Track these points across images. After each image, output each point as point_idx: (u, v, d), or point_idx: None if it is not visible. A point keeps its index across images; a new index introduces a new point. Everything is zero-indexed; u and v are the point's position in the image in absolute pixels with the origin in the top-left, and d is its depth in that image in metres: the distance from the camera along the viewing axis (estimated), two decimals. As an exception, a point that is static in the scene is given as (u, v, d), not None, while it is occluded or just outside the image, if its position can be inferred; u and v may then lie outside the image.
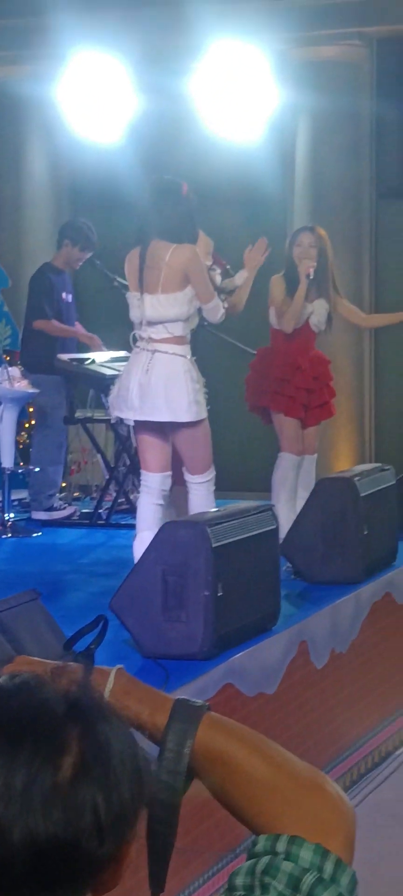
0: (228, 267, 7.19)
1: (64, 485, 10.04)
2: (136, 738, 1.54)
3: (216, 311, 6.69)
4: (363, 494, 7.17)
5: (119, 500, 9.55)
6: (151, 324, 6.64)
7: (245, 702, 5.59)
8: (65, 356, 9.48)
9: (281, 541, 6.52)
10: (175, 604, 5.57)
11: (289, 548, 7.07)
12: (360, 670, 6.89)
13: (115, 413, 6.92)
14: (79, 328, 9.85)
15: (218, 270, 6.90)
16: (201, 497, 6.76)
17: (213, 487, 6.85)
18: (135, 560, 6.50)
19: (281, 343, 7.87)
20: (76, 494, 10.40)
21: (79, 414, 9.89)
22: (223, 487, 8.43)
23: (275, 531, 6.20)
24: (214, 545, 5.59)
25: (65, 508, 9.74)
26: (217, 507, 6.76)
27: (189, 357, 6.70)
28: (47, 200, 12.53)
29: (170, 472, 6.78)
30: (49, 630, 4.80)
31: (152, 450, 6.80)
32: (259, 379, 7.90)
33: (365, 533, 7.08)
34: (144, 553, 5.80)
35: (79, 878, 1.41)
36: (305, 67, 11.95)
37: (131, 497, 9.42)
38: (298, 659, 6.15)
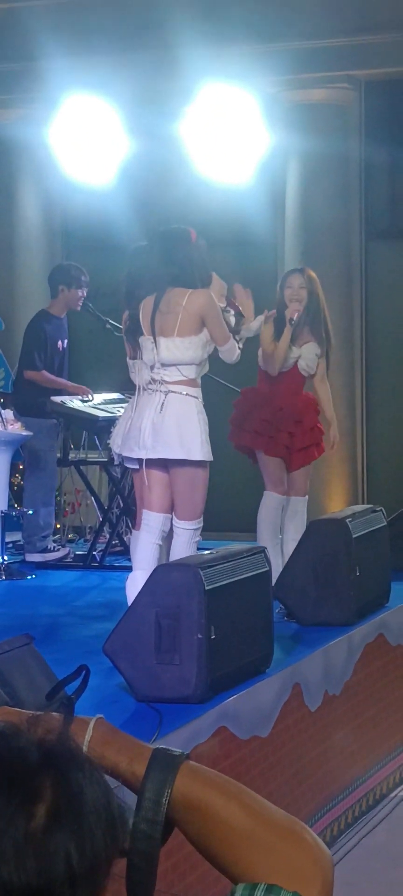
0: (240, 308, 7.27)
1: (58, 526, 10.01)
2: (118, 789, 1.55)
3: (232, 352, 6.80)
4: (355, 535, 7.15)
5: (113, 542, 9.53)
6: (165, 366, 6.74)
7: (239, 745, 5.56)
8: (57, 399, 9.47)
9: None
10: (168, 647, 5.55)
11: (282, 590, 7.06)
12: (354, 712, 6.87)
13: (126, 453, 6.94)
14: (65, 381, 9.77)
15: (232, 312, 6.98)
16: (183, 544, 6.78)
17: (198, 539, 6.87)
18: (129, 598, 6.51)
19: (266, 384, 7.88)
20: (70, 536, 10.38)
21: (72, 456, 9.87)
22: (212, 528, 8.45)
23: (268, 573, 6.19)
24: (207, 588, 5.57)
25: (58, 550, 9.72)
26: (208, 549, 6.75)
27: (200, 399, 6.80)
28: (40, 243, 12.55)
29: (170, 515, 6.80)
30: (42, 675, 4.76)
31: (158, 490, 6.86)
32: (241, 418, 7.90)
33: (358, 574, 7.06)
34: (137, 596, 5.77)
35: None
36: (295, 110, 12.00)
37: (125, 538, 9.40)
38: (292, 701, 6.13)
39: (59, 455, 9.75)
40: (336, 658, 6.71)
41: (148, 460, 6.81)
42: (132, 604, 5.85)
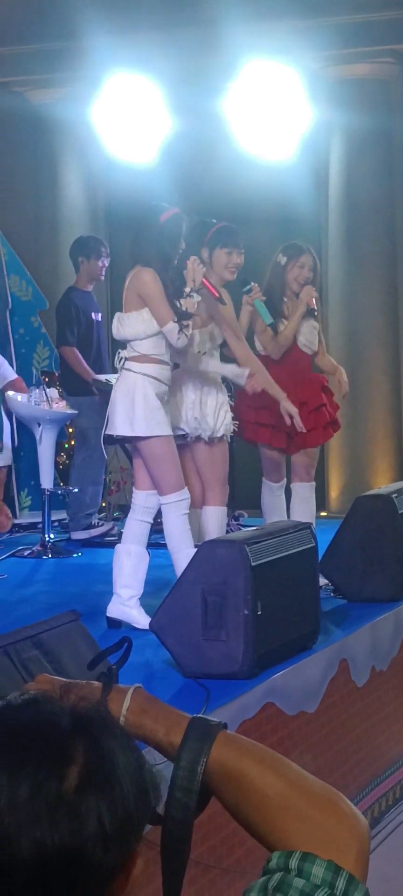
0: (220, 295, 7.00)
1: (103, 505, 10.03)
2: (149, 754, 1.58)
3: (171, 334, 6.52)
4: (401, 511, 7.13)
5: (158, 520, 9.52)
6: (123, 342, 6.68)
7: (286, 721, 5.58)
8: (101, 377, 9.48)
9: None
10: (215, 623, 5.57)
11: (328, 566, 7.07)
12: (401, 688, 6.86)
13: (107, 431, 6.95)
14: (87, 367, 9.68)
15: (196, 298, 6.68)
16: (167, 519, 6.59)
17: (184, 511, 6.57)
18: (113, 571, 6.58)
19: (271, 370, 7.46)
20: (115, 515, 10.40)
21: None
22: (252, 506, 8.40)
23: (314, 549, 6.19)
24: (253, 564, 5.59)
25: (102, 525, 9.74)
26: (251, 526, 6.75)
27: (153, 375, 6.57)
28: (84, 222, 12.55)
29: (151, 492, 6.66)
30: (88, 650, 4.78)
31: (136, 466, 6.82)
32: (244, 410, 7.59)
33: (404, 550, 7.05)
34: (184, 572, 5.79)
35: (85, 888, 1.43)
36: (338, 86, 11.94)
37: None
38: (339, 677, 6.15)
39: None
40: (384, 633, 6.71)
41: (125, 438, 6.84)
42: (178, 580, 5.86)
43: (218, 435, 7.05)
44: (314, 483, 7.79)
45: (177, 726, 1.70)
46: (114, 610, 6.54)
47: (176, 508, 6.57)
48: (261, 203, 11.99)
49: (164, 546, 7.40)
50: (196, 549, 6.39)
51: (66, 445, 10.46)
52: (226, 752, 1.66)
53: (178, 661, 5.63)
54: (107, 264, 9.83)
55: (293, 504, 7.67)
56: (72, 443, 10.16)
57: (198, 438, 7.07)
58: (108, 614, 6.54)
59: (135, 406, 6.52)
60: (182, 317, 6.55)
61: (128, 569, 6.53)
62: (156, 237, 6.64)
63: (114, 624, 6.49)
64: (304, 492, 7.68)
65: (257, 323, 7.58)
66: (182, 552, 6.48)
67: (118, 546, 6.76)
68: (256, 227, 11.68)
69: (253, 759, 1.66)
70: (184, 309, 6.58)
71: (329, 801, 1.62)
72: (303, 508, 7.57)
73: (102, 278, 9.90)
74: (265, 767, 1.65)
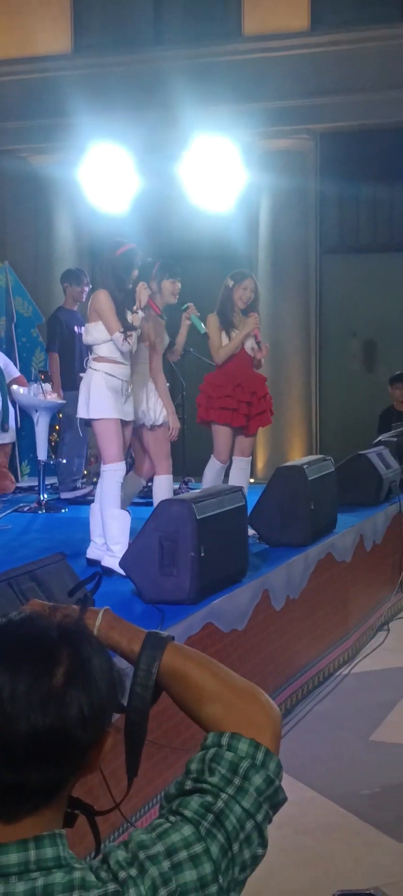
0: (161, 313, 6.93)
1: (85, 472, 10.01)
2: (117, 660, 1.57)
3: (117, 341, 6.41)
4: (310, 478, 7.13)
5: (149, 484, 9.39)
6: (88, 347, 6.60)
7: (221, 636, 5.55)
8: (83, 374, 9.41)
9: None
10: (169, 562, 5.54)
11: (255, 519, 7.04)
12: (308, 611, 6.85)
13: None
14: (58, 380, 9.56)
15: (141, 314, 6.60)
16: (104, 484, 6.42)
17: (117, 480, 6.38)
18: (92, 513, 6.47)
19: (223, 367, 7.41)
20: (94, 480, 10.35)
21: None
22: (192, 473, 8.37)
23: (244, 507, 6.14)
24: (198, 518, 5.56)
25: (84, 488, 9.70)
26: (197, 489, 6.71)
27: (106, 371, 6.44)
28: (72, 257, 12.49)
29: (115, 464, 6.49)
30: (73, 582, 4.77)
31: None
32: (206, 399, 7.47)
33: (312, 508, 7.04)
34: (145, 523, 5.74)
35: (69, 759, 1.44)
36: (266, 155, 11.92)
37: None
38: (262, 603, 6.12)
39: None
40: (296, 570, 6.69)
41: (84, 420, 6.68)
42: (141, 529, 5.82)
43: (159, 423, 6.99)
44: (250, 458, 7.69)
45: (136, 638, 1.69)
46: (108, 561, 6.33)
47: (111, 475, 6.41)
48: (207, 244, 11.98)
49: (135, 504, 7.31)
50: (121, 511, 6.34)
51: (57, 427, 10.41)
52: (174, 657, 1.65)
53: (140, 590, 5.60)
54: (87, 290, 9.76)
55: (234, 472, 7.52)
56: (59, 426, 10.12)
57: (143, 425, 6.94)
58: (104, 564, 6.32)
59: (90, 394, 6.45)
60: (127, 328, 6.44)
61: (117, 528, 6.38)
62: (111, 264, 6.53)
63: (107, 571, 6.27)
64: (243, 464, 7.57)
65: (212, 335, 7.39)
66: (108, 510, 6.36)
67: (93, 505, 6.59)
68: (202, 262, 11.68)
69: (194, 663, 1.66)
70: (130, 322, 6.48)
71: (251, 694, 1.62)
72: (240, 477, 7.47)
73: (83, 300, 9.83)
74: (203, 669, 1.65)
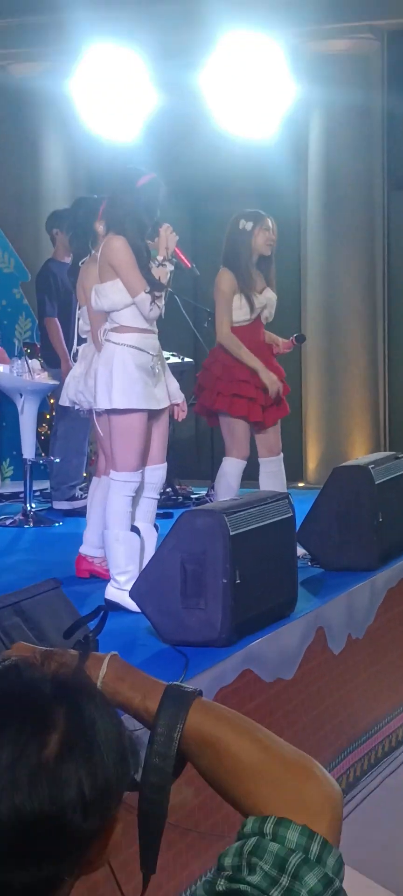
0: (193, 265, 6.78)
1: (85, 475, 10.01)
2: (128, 721, 1.58)
3: (142, 305, 6.33)
4: (378, 482, 7.15)
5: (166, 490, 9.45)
6: (106, 315, 6.50)
7: (263, 687, 5.58)
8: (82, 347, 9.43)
9: None
10: (194, 591, 5.57)
11: (305, 535, 7.06)
12: (376, 655, 6.89)
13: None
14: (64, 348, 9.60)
15: (170, 267, 6.49)
16: (112, 497, 6.37)
17: (128, 493, 6.38)
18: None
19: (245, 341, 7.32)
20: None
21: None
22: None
23: (292, 519, 6.17)
24: (232, 533, 5.58)
25: (85, 498, 9.70)
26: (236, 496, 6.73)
27: (132, 344, 6.37)
28: (65, 197, 12.49)
29: (158, 465, 6.56)
30: (69, 618, 4.77)
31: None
32: (210, 381, 7.40)
33: (380, 520, 7.06)
34: (164, 541, 5.78)
35: (64, 853, 1.44)
36: (317, 61, 11.90)
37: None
38: (315, 645, 6.16)
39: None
40: (360, 602, 6.72)
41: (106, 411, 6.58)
42: (158, 549, 5.85)
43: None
44: (281, 455, 7.62)
45: (153, 693, 1.70)
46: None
47: (121, 487, 6.37)
48: (241, 178, 11.96)
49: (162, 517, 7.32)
50: (128, 533, 6.34)
51: (48, 416, 10.43)
52: (202, 718, 1.67)
53: (158, 628, 5.62)
54: None
55: (264, 478, 7.49)
56: (54, 413, 10.13)
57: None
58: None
59: (113, 376, 6.34)
60: (155, 287, 6.37)
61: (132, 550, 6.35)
62: (130, 202, 6.41)
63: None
64: (274, 466, 7.53)
65: (224, 292, 7.31)
66: (113, 531, 6.33)
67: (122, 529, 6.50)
68: (236, 202, 11.65)
69: (227, 726, 1.66)
70: (156, 278, 6.39)
71: (302, 767, 1.63)
72: (275, 483, 7.39)
73: None
74: (239, 733, 1.66)
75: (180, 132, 12.00)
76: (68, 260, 9.80)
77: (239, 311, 7.39)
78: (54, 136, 12.67)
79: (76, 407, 7.06)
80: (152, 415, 6.53)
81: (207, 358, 7.69)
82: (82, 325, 7.19)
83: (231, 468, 7.41)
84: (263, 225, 7.41)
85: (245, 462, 7.46)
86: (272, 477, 7.47)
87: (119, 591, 6.26)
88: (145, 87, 10.76)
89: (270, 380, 7.29)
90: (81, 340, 7.18)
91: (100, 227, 7.12)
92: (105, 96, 10.81)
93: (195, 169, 12.15)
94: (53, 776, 1.42)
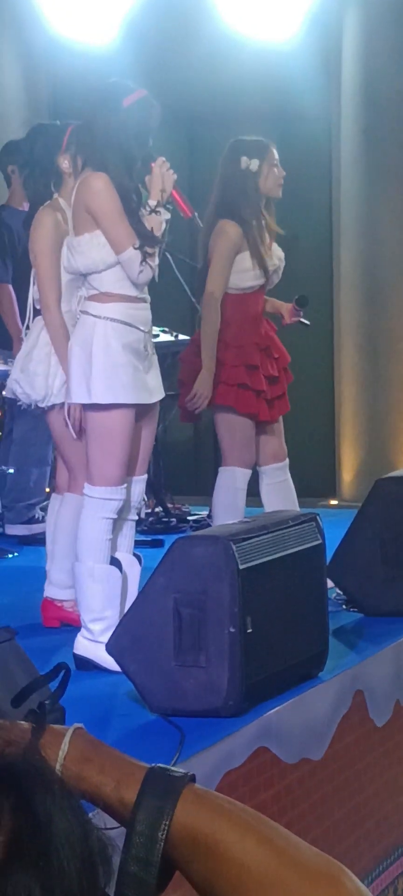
0: (195, 214, 6.73)
1: (47, 490, 10.02)
2: (97, 816, 1.60)
3: (130, 265, 6.29)
4: (434, 500, 7.17)
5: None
6: (82, 277, 6.50)
7: (284, 771, 5.60)
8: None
9: None
10: (191, 644, 5.59)
11: (339, 569, 7.09)
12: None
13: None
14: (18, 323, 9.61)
15: (165, 214, 6.41)
16: (86, 518, 6.39)
17: (107, 514, 6.39)
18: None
19: (230, 312, 7.39)
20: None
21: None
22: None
23: (321, 547, 6.19)
24: (241, 567, 5.60)
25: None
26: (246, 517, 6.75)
27: (117, 317, 6.35)
28: (22, 115, 12.55)
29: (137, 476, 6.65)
30: (25, 677, 4.79)
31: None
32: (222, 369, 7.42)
33: (438, 551, 7.08)
34: (150, 578, 5.77)
35: None
36: None
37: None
38: (353, 714, 6.17)
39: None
40: (411, 658, 6.73)
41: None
42: (143, 588, 5.86)
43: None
44: (287, 461, 7.71)
45: (130, 779, 1.71)
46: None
47: (98, 506, 6.38)
48: (255, 94, 12.00)
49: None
50: (106, 567, 6.36)
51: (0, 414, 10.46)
52: (195, 812, 1.67)
53: (144, 693, 5.63)
54: None
55: (268, 491, 7.58)
56: (5, 409, 10.17)
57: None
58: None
59: (92, 360, 6.34)
60: (146, 241, 6.33)
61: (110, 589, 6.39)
62: (115, 128, 6.34)
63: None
64: (279, 475, 7.63)
65: (228, 248, 7.37)
66: (86, 563, 6.34)
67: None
68: (248, 124, 11.67)
69: (228, 822, 1.67)
70: (148, 229, 6.35)
71: (327, 877, 1.64)
72: (286, 497, 7.49)
73: None
74: (245, 832, 1.66)
75: (173, 33, 12.04)
76: (27, 207, 9.84)
77: (247, 276, 7.44)
78: (7, 42, 12.72)
79: (22, 403, 7.05)
80: (141, 410, 6.53)
81: (190, 346, 7.75)
82: (36, 291, 7.17)
83: (231, 481, 7.47)
84: (271, 159, 7.50)
85: (249, 472, 7.53)
86: (280, 489, 7.58)
87: (92, 644, 6.28)
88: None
89: (204, 387, 7.27)
90: (37, 313, 7.18)
91: (64, 163, 7.12)
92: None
93: (193, 83, 12.19)
94: None
